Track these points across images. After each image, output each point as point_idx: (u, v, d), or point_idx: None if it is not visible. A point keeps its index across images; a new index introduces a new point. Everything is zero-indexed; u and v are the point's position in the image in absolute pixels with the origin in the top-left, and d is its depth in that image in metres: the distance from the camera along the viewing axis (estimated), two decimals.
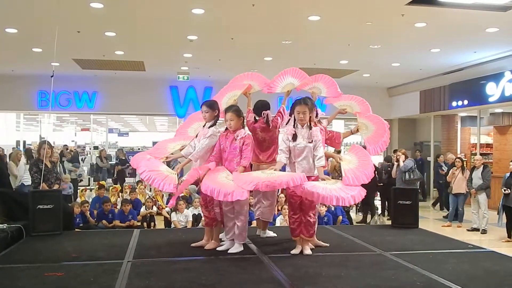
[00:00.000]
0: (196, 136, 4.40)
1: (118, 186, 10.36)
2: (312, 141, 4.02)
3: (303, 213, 4.10)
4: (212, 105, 4.34)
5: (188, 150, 4.33)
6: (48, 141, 6.41)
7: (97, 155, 13.82)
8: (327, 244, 4.42)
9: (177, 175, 4.14)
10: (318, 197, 3.77)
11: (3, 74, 12.16)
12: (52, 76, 5.66)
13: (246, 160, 4.07)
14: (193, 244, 4.36)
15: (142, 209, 8.21)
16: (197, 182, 4.34)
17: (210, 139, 4.20)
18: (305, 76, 4.69)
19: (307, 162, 4.03)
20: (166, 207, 8.57)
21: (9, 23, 7.68)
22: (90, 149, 16.66)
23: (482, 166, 8.46)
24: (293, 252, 4.09)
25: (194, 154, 4.20)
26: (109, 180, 13.48)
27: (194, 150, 4.27)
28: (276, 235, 4.83)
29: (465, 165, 9.41)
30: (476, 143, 12.32)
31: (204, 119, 4.35)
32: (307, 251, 4.11)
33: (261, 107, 4.50)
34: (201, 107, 4.37)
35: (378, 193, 10.44)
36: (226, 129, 4.25)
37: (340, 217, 7.86)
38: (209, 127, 4.26)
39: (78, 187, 11.04)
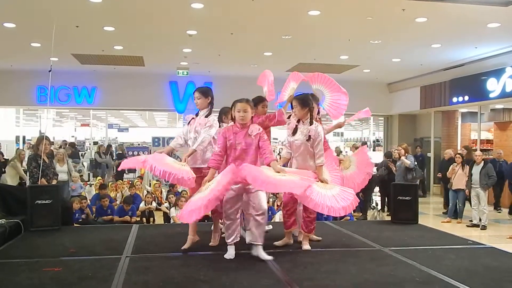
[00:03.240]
0: (189, 123, 4.16)
1: (119, 182, 10.33)
2: (309, 138, 3.94)
3: (304, 211, 4.10)
4: (205, 92, 4.11)
5: (177, 141, 4.12)
6: (47, 136, 6.39)
7: (96, 150, 13.81)
8: (319, 238, 4.42)
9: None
10: (310, 203, 3.71)
11: (1, 69, 12.13)
12: (50, 71, 5.64)
13: (272, 155, 3.79)
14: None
15: (142, 205, 8.20)
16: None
17: (214, 128, 3.98)
18: (302, 78, 4.60)
19: (302, 159, 3.99)
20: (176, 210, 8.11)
21: (7, 18, 7.64)
22: (90, 144, 16.67)
23: (483, 162, 8.43)
24: (277, 243, 4.10)
25: (200, 145, 3.91)
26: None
27: (183, 141, 4.09)
28: (271, 227, 4.88)
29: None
30: (476, 139, 12.30)
31: (197, 107, 4.14)
32: (306, 246, 4.10)
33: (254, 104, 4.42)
34: (193, 94, 4.19)
35: (378, 188, 10.44)
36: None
37: (348, 218, 7.80)
38: (206, 116, 4.04)
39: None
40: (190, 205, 3.56)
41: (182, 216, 3.69)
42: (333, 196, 3.79)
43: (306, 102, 4.01)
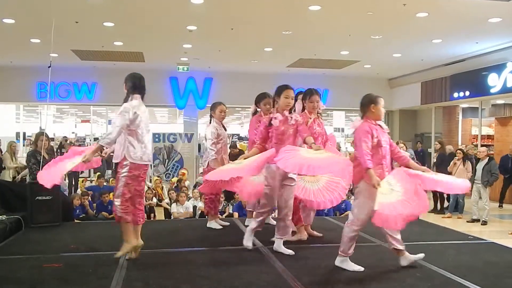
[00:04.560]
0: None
1: None
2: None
3: None
4: (126, 77, 3.66)
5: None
6: (46, 133, 6.38)
7: None
8: (320, 234, 4.44)
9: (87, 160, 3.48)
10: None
11: (1, 65, 12.11)
12: (49, 67, 5.62)
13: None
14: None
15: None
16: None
17: (122, 117, 3.45)
18: None
19: None
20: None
21: (7, 14, 7.61)
22: (90, 140, 16.64)
23: (488, 158, 8.39)
24: (291, 239, 4.13)
25: (105, 138, 3.48)
26: (109, 172, 13.48)
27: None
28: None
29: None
30: (477, 135, 12.28)
31: None
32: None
33: None
34: None
35: None
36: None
37: (348, 213, 7.80)
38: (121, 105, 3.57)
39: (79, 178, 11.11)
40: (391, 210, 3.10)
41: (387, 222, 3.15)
42: (319, 189, 3.97)
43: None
